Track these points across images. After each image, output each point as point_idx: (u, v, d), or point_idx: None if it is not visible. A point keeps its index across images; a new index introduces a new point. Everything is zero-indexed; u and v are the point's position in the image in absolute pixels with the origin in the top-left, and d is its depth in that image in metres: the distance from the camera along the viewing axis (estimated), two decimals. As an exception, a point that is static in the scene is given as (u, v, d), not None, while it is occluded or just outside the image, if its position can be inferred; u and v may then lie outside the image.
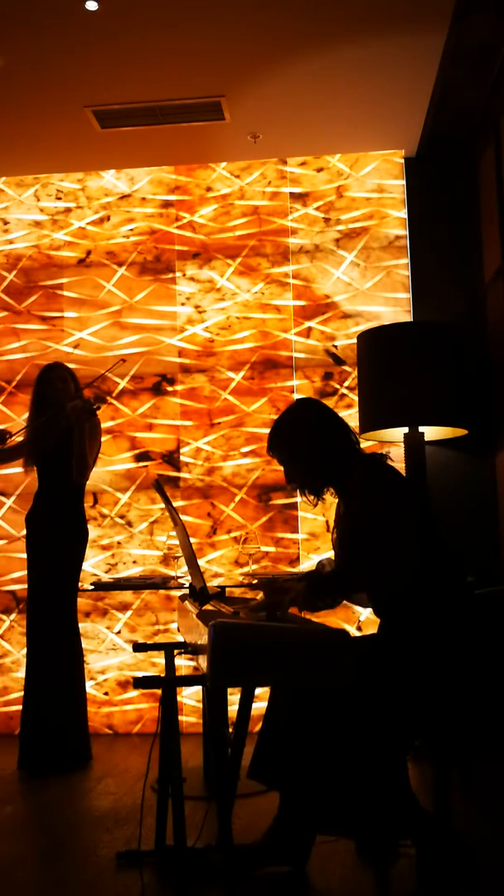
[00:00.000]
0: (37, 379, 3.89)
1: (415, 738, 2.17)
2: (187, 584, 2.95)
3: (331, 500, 2.41)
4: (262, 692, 3.64)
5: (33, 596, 3.70)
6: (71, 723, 3.63)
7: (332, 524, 4.27)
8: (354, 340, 4.25)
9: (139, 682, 2.14)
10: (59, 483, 3.74)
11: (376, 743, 2.04)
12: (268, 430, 2.44)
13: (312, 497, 2.37)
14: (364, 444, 2.46)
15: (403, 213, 4.47)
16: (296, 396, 4.38)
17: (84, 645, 4.35)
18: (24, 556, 3.77)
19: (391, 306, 4.42)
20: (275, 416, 4.35)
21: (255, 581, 3.42)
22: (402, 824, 2.10)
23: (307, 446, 2.33)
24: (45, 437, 3.74)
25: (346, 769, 2.03)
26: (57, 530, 3.71)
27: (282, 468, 2.41)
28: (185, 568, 3.10)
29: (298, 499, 4.33)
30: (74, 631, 3.71)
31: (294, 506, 4.34)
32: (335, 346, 4.43)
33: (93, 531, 4.44)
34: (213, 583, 3.78)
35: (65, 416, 3.70)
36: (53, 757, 3.55)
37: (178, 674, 2.30)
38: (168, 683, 2.22)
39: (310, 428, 2.34)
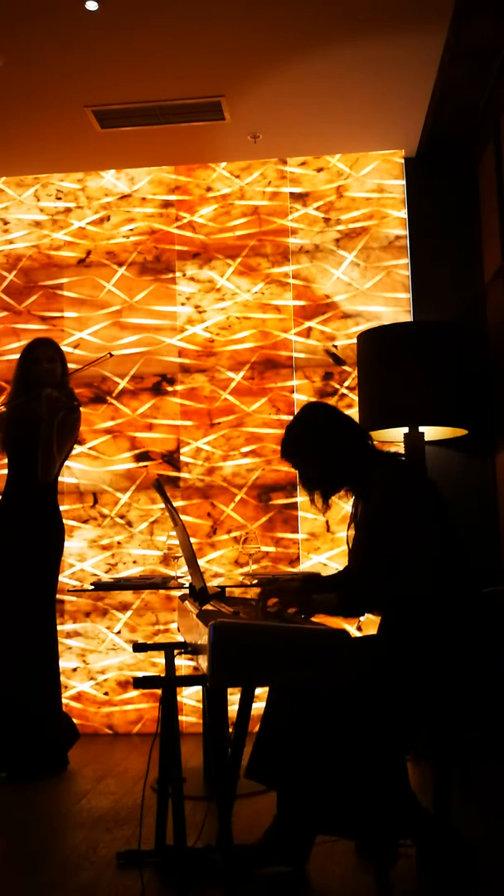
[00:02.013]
0: (22, 354, 3.70)
1: (416, 737, 2.17)
2: (187, 584, 2.95)
3: (335, 502, 2.41)
4: (262, 692, 3.64)
5: (3, 597, 3.55)
6: (40, 730, 3.47)
7: (332, 524, 4.28)
8: (354, 340, 4.25)
9: (139, 682, 2.14)
10: (31, 476, 3.55)
11: (376, 743, 2.04)
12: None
13: (321, 505, 2.39)
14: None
15: (403, 213, 4.47)
16: (296, 397, 4.39)
17: (84, 645, 4.37)
18: None
19: (391, 306, 4.42)
20: (275, 417, 4.39)
21: (254, 581, 3.42)
22: (402, 824, 2.10)
23: (317, 452, 2.35)
24: (18, 422, 3.58)
25: (346, 769, 2.03)
26: (30, 527, 3.56)
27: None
28: (185, 568, 3.09)
29: (299, 499, 4.33)
30: (50, 637, 3.57)
31: (294, 506, 4.34)
32: (335, 346, 4.43)
33: (93, 531, 4.45)
34: (213, 583, 3.78)
35: (39, 403, 3.50)
36: (21, 762, 3.42)
37: (178, 674, 2.30)
38: (168, 683, 2.22)
39: (317, 434, 2.36)
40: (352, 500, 2.46)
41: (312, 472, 2.38)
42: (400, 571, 2.13)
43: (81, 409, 3.69)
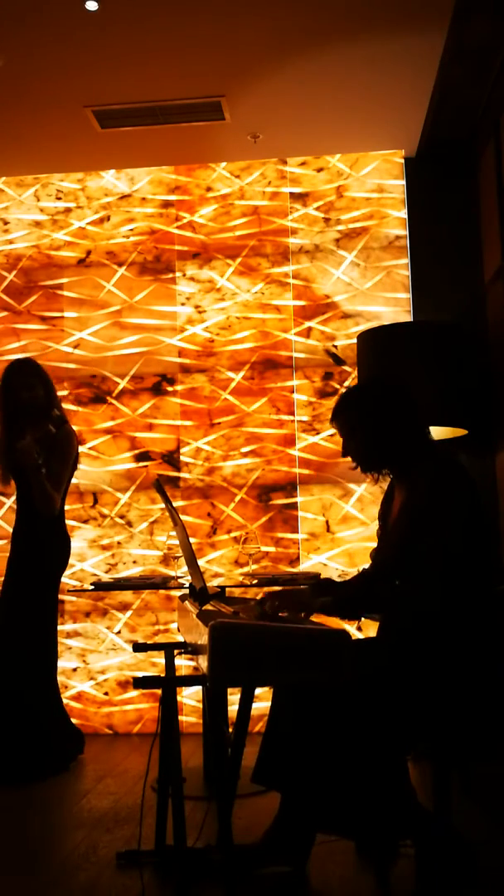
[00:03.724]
0: (1, 382, 3.60)
1: (417, 738, 2.16)
2: (187, 584, 2.95)
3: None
4: (262, 692, 3.64)
5: (4, 609, 3.57)
6: (37, 732, 3.46)
7: (332, 524, 4.28)
8: (354, 340, 4.25)
9: (139, 682, 2.14)
10: (34, 505, 3.57)
11: (378, 744, 2.04)
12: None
13: (369, 475, 2.32)
14: None
15: (403, 213, 4.47)
16: (296, 397, 4.39)
17: (84, 645, 4.36)
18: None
19: (391, 306, 4.42)
20: (275, 417, 4.39)
21: (254, 581, 3.42)
22: (402, 824, 2.10)
23: (369, 421, 2.27)
24: (8, 453, 3.56)
25: (348, 771, 2.03)
26: (35, 550, 3.59)
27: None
28: (185, 568, 3.09)
29: (299, 499, 4.33)
30: (50, 642, 3.59)
31: (294, 506, 4.34)
32: (335, 346, 4.43)
33: (92, 531, 4.45)
34: (213, 583, 3.78)
35: (20, 453, 3.44)
36: (19, 764, 3.40)
37: (178, 674, 2.30)
38: (168, 683, 2.22)
39: (377, 404, 2.29)
40: (386, 486, 2.42)
41: (352, 443, 2.30)
42: (409, 575, 2.12)
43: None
